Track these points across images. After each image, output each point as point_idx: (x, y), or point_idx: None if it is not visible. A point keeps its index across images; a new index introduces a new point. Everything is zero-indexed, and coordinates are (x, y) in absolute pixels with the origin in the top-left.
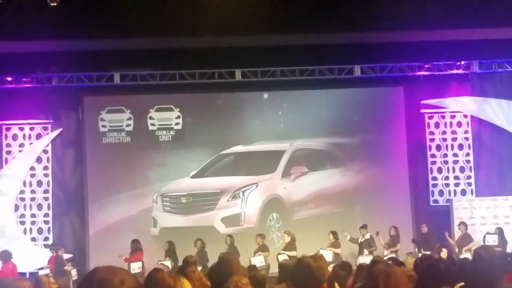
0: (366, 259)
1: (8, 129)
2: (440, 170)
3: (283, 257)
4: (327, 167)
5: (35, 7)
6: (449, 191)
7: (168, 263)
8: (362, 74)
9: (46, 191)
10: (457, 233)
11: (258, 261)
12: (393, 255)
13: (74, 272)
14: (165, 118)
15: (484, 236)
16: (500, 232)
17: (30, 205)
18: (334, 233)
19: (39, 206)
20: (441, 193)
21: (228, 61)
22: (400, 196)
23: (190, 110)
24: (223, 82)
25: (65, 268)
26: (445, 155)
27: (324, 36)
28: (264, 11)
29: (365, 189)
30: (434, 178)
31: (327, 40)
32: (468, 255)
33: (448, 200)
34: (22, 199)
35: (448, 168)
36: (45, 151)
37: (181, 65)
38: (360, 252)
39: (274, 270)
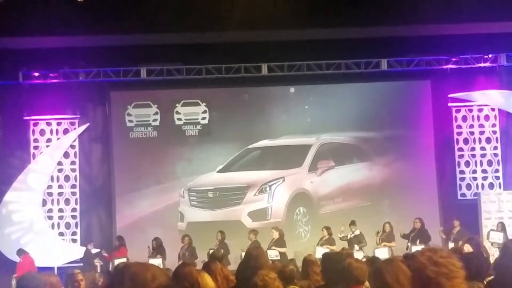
0: (356, 255)
1: (35, 125)
2: (467, 164)
3: (274, 253)
4: (354, 161)
5: (62, 3)
6: (477, 185)
7: (158, 260)
8: (389, 68)
9: (73, 186)
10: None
11: None
12: (387, 249)
13: (101, 266)
14: (192, 113)
15: (488, 233)
16: (503, 227)
17: (58, 200)
18: (328, 229)
19: (67, 201)
20: (468, 186)
21: (255, 55)
22: (428, 190)
23: (217, 104)
24: (250, 76)
25: (94, 262)
26: (473, 149)
27: (350, 30)
28: (290, 5)
29: (392, 183)
30: (462, 172)
31: (353, 34)
32: (468, 247)
33: (475, 194)
34: (50, 194)
35: (475, 161)
36: (72, 146)
37: (207, 59)
38: (350, 248)
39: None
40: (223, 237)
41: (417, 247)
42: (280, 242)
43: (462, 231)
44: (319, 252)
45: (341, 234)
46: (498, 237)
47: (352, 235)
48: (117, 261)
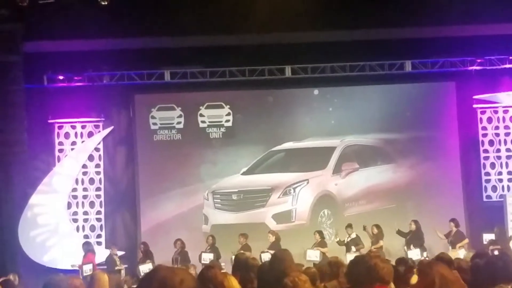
0: (352, 256)
1: (60, 128)
2: (493, 166)
3: (267, 256)
4: (378, 163)
5: (86, 6)
6: (503, 187)
7: (149, 265)
8: (413, 69)
9: (98, 189)
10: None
11: None
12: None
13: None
14: (216, 115)
15: (482, 236)
16: (500, 232)
17: (83, 203)
18: (320, 233)
19: (92, 204)
20: (494, 188)
21: (278, 57)
22: (453, 192)
23: (241, 107)
24: (273, 78)
25: (116, 267)
26: (498, 150)
27: (374, 32)
28: (314, 7)
29: (417, 185)
30: (487, 174)
31: (377, 35)
32: (462, 252)
33: (501, 196)
34: (75, 197)
35: (501, 163)
36: (96, 149)
37: (231, 62)
38: (348, 250)
39: None
40: (214, 241)
41: (411, 251)
42: (275, 246)
43: (459, 233)
44: (310, 254)
45: (337, 239)
46: (490, 238)
47: (349, 238)
48: (85, 267)
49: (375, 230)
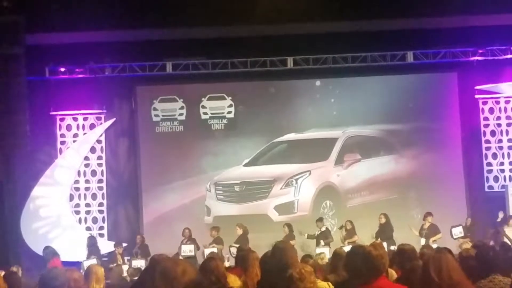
0: (323, 250)
1: (62, 120)
2: (495, 156)
3: (234, 250)
4: (381, 154)
5: None
6: (504, 177)
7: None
8: (415, 60)
9: (100, 181)
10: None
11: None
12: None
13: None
14: (218, 107)
15: (450, 231)
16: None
17: (85, 195)
18: (289, 225)
19: (94, 196)
20: (496, 179)
21: (280, 49)
22: (455, 183)
23: (243, 98)
24: (275, 70)
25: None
26: (500, 141)
27: (376, 22)
28: None
29: (419, 175)
30: (489, 164)
31: (379, 26)
32: (435, 246)
33: (503, 186)
34: (77, 189)
35: (503, 153)
36: (98, 141)
37: (233, 53)
38: (317, 244)
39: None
40: (190, 233)
41: None
42: (242, 239)
43: (433, 226)
44: None
45: (305, 235)
46: (459, 231)
47: (319, 232)
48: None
49: (349, 226)
